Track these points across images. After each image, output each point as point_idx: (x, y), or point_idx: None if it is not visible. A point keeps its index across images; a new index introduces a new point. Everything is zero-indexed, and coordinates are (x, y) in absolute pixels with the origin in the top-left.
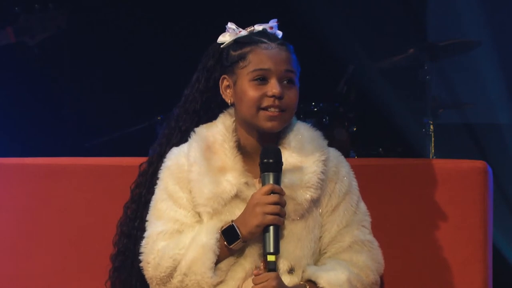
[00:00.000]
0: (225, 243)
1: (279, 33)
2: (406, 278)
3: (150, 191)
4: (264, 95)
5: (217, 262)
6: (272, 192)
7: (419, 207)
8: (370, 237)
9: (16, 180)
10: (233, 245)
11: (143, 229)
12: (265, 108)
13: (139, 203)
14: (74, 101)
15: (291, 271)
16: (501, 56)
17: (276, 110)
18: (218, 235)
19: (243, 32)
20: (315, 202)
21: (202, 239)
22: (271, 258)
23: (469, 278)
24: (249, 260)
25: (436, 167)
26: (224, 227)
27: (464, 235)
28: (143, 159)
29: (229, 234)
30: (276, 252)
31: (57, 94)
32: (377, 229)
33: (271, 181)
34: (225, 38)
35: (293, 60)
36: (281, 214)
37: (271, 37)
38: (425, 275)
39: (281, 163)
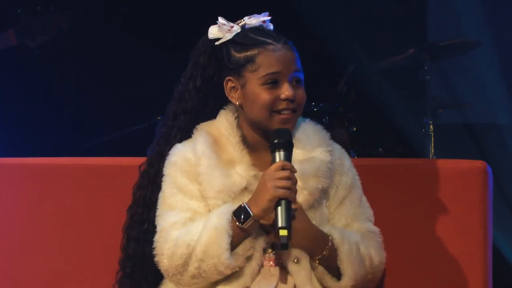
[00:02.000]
0: (237, 223)
1: (270, 26)
2: (406, 278)
3: (155, 193)
4: (277, 98)
5: (233, 247)
6: (283, 168)
7: (419, 207)
8: (375, 228)
9: (16, 180)
10: (245, 224)
11: (152, 232)
12: (279, 111)
13: (144, 205)
14: (74, 101)
15: (297, 261)
16: (501, 56)
17: (289, 112)
18: (229, 217)
19: (236, 28)
20: (325, 192)
21: (214, 222)
22: (283, 232)
23: (469, 278)
24: (255, 257)
25: (436, 167)
26: (235, 209)
27: (464, 235)
28: (143, 159)
29: (240, 214)
30: (288, 226)
31: (57, 94)
32: None
33: (282, 158)
34: (215, 33)
35: (298, 58)
36: (292, 189)
37: (275, 37)
38: (425, 275)
39: (291, 144)
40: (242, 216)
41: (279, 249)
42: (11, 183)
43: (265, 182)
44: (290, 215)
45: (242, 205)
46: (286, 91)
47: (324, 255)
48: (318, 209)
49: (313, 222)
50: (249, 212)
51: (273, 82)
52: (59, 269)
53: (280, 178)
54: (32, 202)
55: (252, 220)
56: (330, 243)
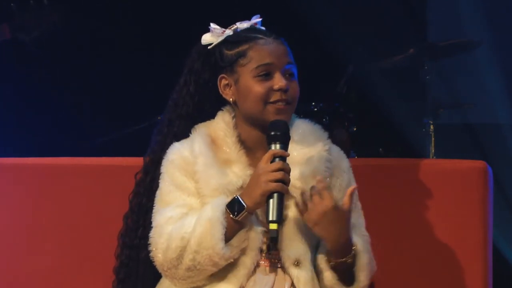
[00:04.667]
0: (231, 216)
1: (267, 31)
2: (406, 278)
3: (150, 199)
4: (270, 90)
5: (227, 239)
6: (275, 157)
7: (419, 207)
8: (366, 233)
9: (16, 180)
10: (239, 216)
11: (146, 237)
12: (273, 102)
13: (139, 212)
14: (74, 101)
15: (297, 264)
16: (501, 56)
17: (283, 103)
18: (223, 208)
19: (228, 31)
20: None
21: (208, 213)
22: (272, 226)
23: (469, 278)
24: (250, 256)
25: (436, 167)
26: (229, 201)
27: (464, 235)
28: (143, 159)
29: (234, 206)
30: (278, 219)
31: (57, 94)
32: (376, 229)
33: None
34: (208, 39)
35: (290, 52)
36: (285, 181)
37: (265, 32)
38: (425, 275)
39: (288, 136)
40: (236, 208)
41: (270, 242)
42: (11, 183)
43: (258, 175)
44: (281, 209)
45: (236, 197)
46: (279, 81)
47: (344, 261)
48: None
49: None
50: (242, 205)
51: (265, 74)
52: (59, 269)
53: (272, 171)
54: (32, 202)
55: (246, 212)
56: (352, 252)
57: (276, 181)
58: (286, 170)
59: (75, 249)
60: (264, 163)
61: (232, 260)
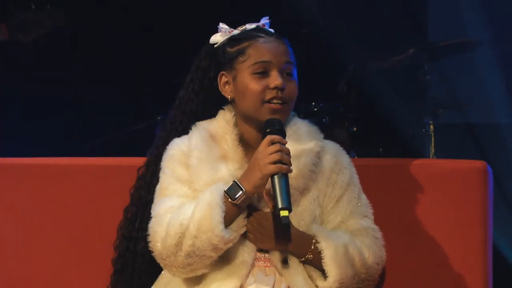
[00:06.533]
0: (229, 200)
1: (271, 31)
2: (406, 278)
3: (150, 192)
4: (267, 88)
5: (226, 224)
6: (272, 143)
7: (419, 207)
8: (374, 226)
9: (16, 180)
10: (237, 199)
11: (143, 229)
12: (268, 101)
13: (138, 205)
14: (74, 101)
15: (285, 262)
16: (501, 56)
17: (279, 102)
18: (222, 193)
19: (236, 32)
20: (306, 192)
21: (207, 198)
22: (283, 213)
23: (469, 278)
24: (251, 256)
25: (436, 167)
26: (227, 186)
27: (464, 235)
28: (143, 159)
29: (232, 190)
30: (288, 206)
31: (57, 94)
32: None
33: None
34: (217, 38)
35: (291, 53)
36: (284, 161)
37: (267, 32)
38: (425, 275)
39: (284, 132)
40: (234, 192)
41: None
42: (11, 183)
43: (257, 159)
44: (288, 193)
45: (234, 182)
46: (275, 80)
47: (308, 258)
48: (301, 208)
49: (294, 221)
50: (241, 188)
51: (263, 72)
52: (59, 269)
53: (270, 154)
54: (32, 202)
55: (245, 196)
56: (313, 246)
57: (275, 162)
58: (284, 151)
59: (75, 249)
60: (262, 149)
61: (231, 245)
